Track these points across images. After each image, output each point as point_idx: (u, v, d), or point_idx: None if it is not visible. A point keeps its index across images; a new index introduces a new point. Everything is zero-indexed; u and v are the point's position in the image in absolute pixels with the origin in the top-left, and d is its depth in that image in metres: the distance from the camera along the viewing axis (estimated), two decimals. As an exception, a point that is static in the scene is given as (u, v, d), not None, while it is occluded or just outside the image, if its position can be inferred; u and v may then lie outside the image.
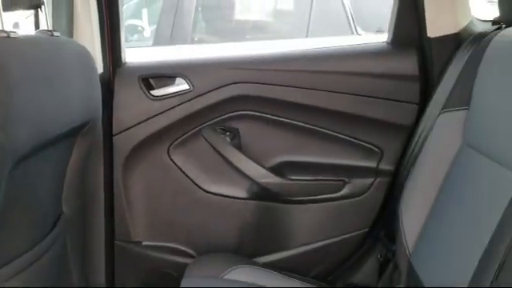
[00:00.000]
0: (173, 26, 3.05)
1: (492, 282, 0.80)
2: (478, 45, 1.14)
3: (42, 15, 1.12)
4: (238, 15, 3.15)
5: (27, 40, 0.93)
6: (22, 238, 1.01)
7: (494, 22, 1.09)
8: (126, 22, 3.14)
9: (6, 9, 0.97)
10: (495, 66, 1.05)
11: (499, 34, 1.09)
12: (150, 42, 3.17)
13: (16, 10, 1.00)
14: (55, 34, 1.05)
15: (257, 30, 3.16)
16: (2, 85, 0.78)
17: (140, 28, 3.55)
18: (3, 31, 0.87)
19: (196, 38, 3.20)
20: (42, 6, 1.02)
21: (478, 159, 1.01)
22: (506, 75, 0.99)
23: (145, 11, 3.56)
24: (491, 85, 1.05)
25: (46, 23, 1.05)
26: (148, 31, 3.40)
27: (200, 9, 3.18)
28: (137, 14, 3.58)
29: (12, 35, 0.86)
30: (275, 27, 3.19)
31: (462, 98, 1.13)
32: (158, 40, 3.07)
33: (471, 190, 1.01)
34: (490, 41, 1.10)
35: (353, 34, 2.84)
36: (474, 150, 1.04)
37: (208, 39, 3.19)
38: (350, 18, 2.87)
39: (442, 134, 1.17)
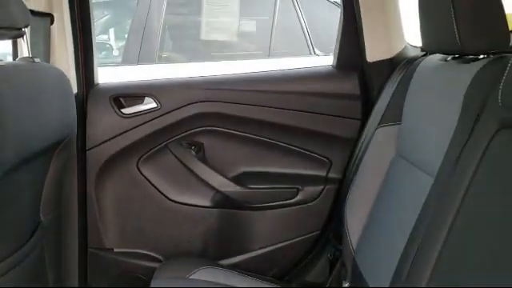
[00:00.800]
0: (141, 44, 3.17)
1: (406, 277, 0.95)
2: (408, 68, 1.33)
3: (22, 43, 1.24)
4: (204, 35, 3.31)
5: (12, 67, 1.06)
6: (1, 245, 1.11)
7: (421, 49, 1.28)
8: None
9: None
10: (420, 87, 1.24)
11: (424, 60, 1.28)
12: (119, 59, 3.27)
13: (2, 39, 1.12)
14: (36, 60, 1.18)
15: (222, 49, 3.32)
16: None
17: (108, 45, 3.66)
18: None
19: (164, 56, 3.33)
20: (24, 36, 1.14)
21: (408, 168, 1.17)
22: (427, 96, 1.18)
23: (112, 30, 3.67)
24: (417, 104, 1.23)
25: (27, 50, 1.17)
26: (115, 49, 3.51)
27: (167, 28, 3.31)
28: (105, 31, 3.69)
29: (7, 65, 0.99)
30: (239, 47, 3.36)
31: (395, 114, 1.31)
32: (127, 57, 3.17)
33: (401, 195, 1.17)
34: (417, 65, 1.29)
35: (311, 54, 3.03)
36: (405, 160, 1.21)
37: (175, 58, 3.32)
38: (309, 40, 3.06)
39: (379, 146, 1.35)
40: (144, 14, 3.22)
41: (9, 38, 1.13)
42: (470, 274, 0.81)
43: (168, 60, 3.25)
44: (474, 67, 0.98)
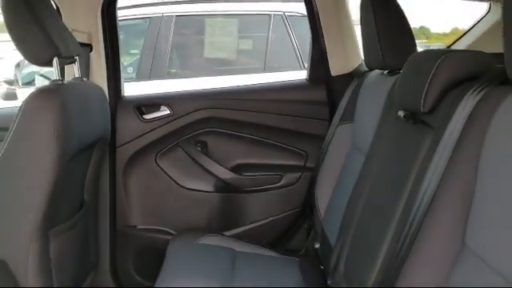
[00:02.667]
0: (152, 62, 3.63)
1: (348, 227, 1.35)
2: (360, 80, 1.76)
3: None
4: (207, 53, 3.76)
5: (71, 85, 1.50)
6: (67, 210, 1.54)
7: (366, 66, 1.70)
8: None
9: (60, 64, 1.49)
10: (365, 94, 1.67)
11: (370, 74, 1.70)
12: (133, 75, 3.72)
13: (64, 65, 1.56)
14: (84, 79, 1.62)
15: (223, 65, 3.76)
16: (64, 116, 1.34)
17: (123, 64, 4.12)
18: (60, 80, 1.44)
19: (172, 72, 3.77)
20: (76, 62, 1.58)
21: (358, 156, 1.58)
22: (369, 100, 1.61)
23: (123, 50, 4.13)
24: (363, 106, 1.66)
25: (78, 73, 1.61)
26: (130, 67, 3.97)
27: (175, 47, 3.76)
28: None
29: (65, 83, 1.43)
30: (238, 63, 3.81)
31: (350, 115, 1.74)
32: (140, 74, 3.62)
33: (354, 175, 1.57)
34: (365, 78, 1.72)
35: (301, 68, 3.46)
36: (357, 149, 1.64)
37: (182, 73, 3.76)
38: (299, 56, 3.49)
39: (339, 140, 1.77)
40: (154, 35, 3.68)
41: (68, 64, 1.57)
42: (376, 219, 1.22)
43: (176, 75, 3.70)
44: (393, 79, 1.41)
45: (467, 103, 0.89)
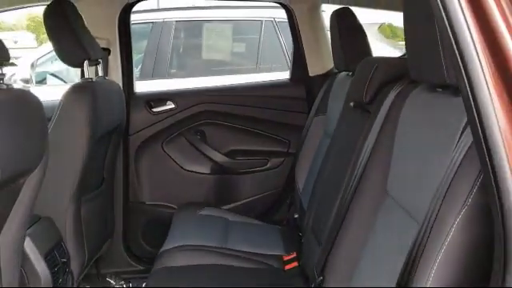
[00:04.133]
0: (154, 63, 4.00)
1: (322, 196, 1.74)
2: (331, 80, 2.14)
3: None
4: (205, 55, 4.15)
5: (98, 82, 1.87)
6: (92, 183, 1.91)
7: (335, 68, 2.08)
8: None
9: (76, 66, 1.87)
10: (335, 91, 2.05)
11: (339, 75, 2.08)
12: (137, 75, 4.09)
13: (91, 66, 1.92)
14: (106, 77, 2.00)
15: (219, 66, 4.15)
16: (94, 107, 1.71)
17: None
18: (90, 78, 1.81)
19: (172, 72, 4.15)
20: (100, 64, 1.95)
21: (326, 141, 1.94)
22: (337, 96, 1.99)
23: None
24: (332, 101, 2.04)
25: (101, 72, 1.98)
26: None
27: (175, 49, 4.14)
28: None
29: (94, 80, 1.81)
30: (233, 64, 4.19)
31: (323, 108, 2.12)
32: (144, 74, 4.00)
33: (322, 157, 1.94)
34: (335, 78, 2.10)
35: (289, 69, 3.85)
36: (327, 136, 2.02)
37: (181, 74, 4.15)
38: (288, 58, 3.88)
39: (314, 129, 2.15)
40: (156, 38, 4.06)
41: (92, 65, 1.95)
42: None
43: (175, 75, 4.07)
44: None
45: (389, 97, 1.28)
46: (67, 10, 1.77)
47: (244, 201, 2.40)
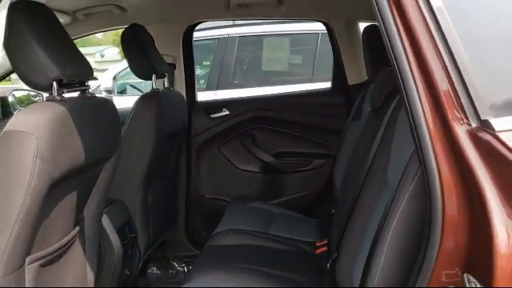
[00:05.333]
0: (219, 75, 4.41)
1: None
2: (366, 89, 2.38)
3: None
4: (264, 67, 4.50)
5: (164, 92, 2.26)
6: (159, 176, 2.29)
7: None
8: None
9: (143, 77, 2.27)
10: (367, 100, 2.28)
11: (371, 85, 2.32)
12: (204, 86, 4.53)
13: (158, 79, 2.31)
14: (171, 88, 2.39)
15: (277, 77, 4.48)
16: (159, 113, 2.09)
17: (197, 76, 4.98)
18: (157, 89, 2.20)
19: (235, 82, 4.54)
20: (166, 77, 2.34)
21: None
22: (367, 104, 2.22)
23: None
24: (365, 108, 2.28)
25: (168, 84, 2.38)
26: (201, 79, 4.80)
27: (238, 62, 4.53)
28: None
29: (160, 90, 2.20)
30: (290, 75, 4.50)
31: (358, 115, 2.36)
32: (210, 85, 4.43)
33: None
34: (369, 87, 2.34)
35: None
36: (359, 139, 2.26)
37: (243, 84, 4.52)
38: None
39: (351, 133, 2.39)
40: (221, 52, 4.47)
41: (159, 78, 2.34)
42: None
43: (238, 86, 4.45)
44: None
45: (393, 102, 1.52)
46: (139, 33, 2.18)
47: (288, 197, 2.68)
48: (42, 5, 1.41)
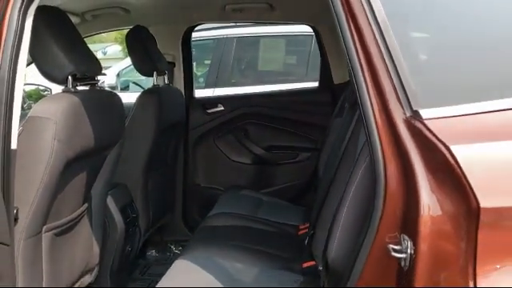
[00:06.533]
0: (217, 74, 4.63)
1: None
2: (350, 87, 2.60)
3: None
4: (260, 66, 4.72)
5: (164, 88, 2.48)
6: (157, 165, 2.51)
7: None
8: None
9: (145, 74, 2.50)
10: (349, 97, 2.51)
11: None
12: (203, 84, 4.75)
13: (159, 76, 2.53)
14: (170, 85, 2.62)
15: (272, 76, 4.70)
16: (159, 106, 2.32)
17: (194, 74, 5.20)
18: (157, 85, 2.43)
19: (233, 81, 4.76)
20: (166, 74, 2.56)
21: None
22: (348, 102, 2.45)
23: (194, 64, 5.18)
24: (347, 106, 2.50)
25: (167, 81, 2.60)
26: (200, 77, 5.02)
27: (236, 61, 4.75)
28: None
29: (160, 86, 2.42)
30: (285, 74, 4.73)
31: (341, 112, 2.58)
32: (208, 82, 4.64)
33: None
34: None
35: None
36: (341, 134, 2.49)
37: (241, 82, 4.74)
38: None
39: (333, 129, 2.62)
40: (220, 52, 4.69)
41: (160, 75, 2.56)
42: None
43: (236, 84, 4.67)
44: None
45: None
46: (142, 33, 2.40)
47: (277, 187, 2.91)
48: (59, 9, 1.64)
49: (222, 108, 2.93)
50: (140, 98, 2.32)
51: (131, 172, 2.28)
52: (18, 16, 1.30)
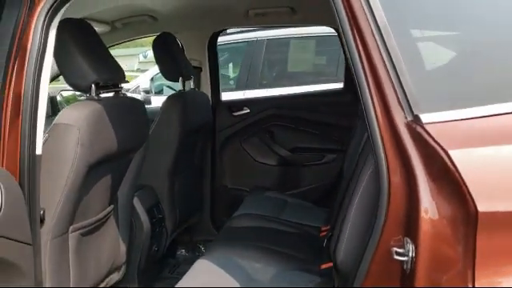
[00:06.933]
0: (247, 76, 4.69)
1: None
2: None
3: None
4: (291, 68, 4.75)
5: (189, 93, 2.56)
6: (184, 167, 2.59)
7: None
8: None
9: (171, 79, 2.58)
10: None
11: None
12: (234, 86, 4.83)
13: (186, 80, 2.61)
14: (196, 89, 2.69)
15: (303, 77, 4.72)
16: (184, 110, 2.39)
17: (226, 76, 5.29)
18: (183, 90, 2.50)
19: (263, 82, 4.81)
20: (192, 79, 2.64)
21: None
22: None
23: (230, 65, 5.27)
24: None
25: (194, 85, 2.67)
26: (232, 79, 5.10)
27: (266, 63, 4.79)
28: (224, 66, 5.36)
29: (185, 91, 2.50)
30: (316, 74, 4.73)
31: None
32: (239, 84, 4.72)
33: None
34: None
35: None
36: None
37: (270, 83, 4.78)
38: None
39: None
40: (250, 54, 4.75)
41: (187, 80, 2.63)
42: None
43: (266, 86, 4.72)
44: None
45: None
46: (169, 40, 2.48)
47: (303, 188, 2.93)
48: (83, 21, 1.73)
49: (248, 110, 2.98)
50: (165, 103, 2.40)
51: (157, 174, 2.36)
52: (42, 28, 1.39)
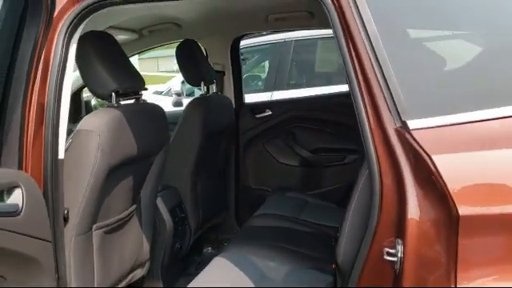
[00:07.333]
0: (276, 77, 4.76)
1: None
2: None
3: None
4: (318, 68, 4.77)
5: (212, 97, 2.65)
6: (209, 169, 2.69)
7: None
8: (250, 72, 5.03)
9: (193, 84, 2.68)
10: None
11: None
12: (262, 87, 4.90)
13: (209, 84, 2.70)
14: (219, 93, 2.78)
15: (329, 77, 4.73)
16: (206, 114, 2.49)
17: (257, 76, 5.37)
18: (206, 94, 2.60)
19: (291, 83, 4.86)
20: (214, 83, 2.73)
21: None
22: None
23: (266, 64, 5.33)
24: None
25: (216, 89, 2.77)
26: (262, 79, 5.18)
27: (294, 64, 4.84)
28: (256, 67, 5.43)
29: (208, 95, 2.60)
30: (342, 75, 4.72)
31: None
32: (267, 86, 4.79)
33: None
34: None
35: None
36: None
37: (298, 84, 4.83)
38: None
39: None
40: (278, 55, 4.81)
41: (210, 84, 2.72)
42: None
43: (294, 86, 4.76)
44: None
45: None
46: (191, 46, 2.59)
47: (324, 189, 2.98)
48: (103, 33, 1.85)
49: (270, 113, 3.06)
50: (188, 106, 2.51)
51: (180, 175, 2.47)
52: (63, 44, 1.52)
